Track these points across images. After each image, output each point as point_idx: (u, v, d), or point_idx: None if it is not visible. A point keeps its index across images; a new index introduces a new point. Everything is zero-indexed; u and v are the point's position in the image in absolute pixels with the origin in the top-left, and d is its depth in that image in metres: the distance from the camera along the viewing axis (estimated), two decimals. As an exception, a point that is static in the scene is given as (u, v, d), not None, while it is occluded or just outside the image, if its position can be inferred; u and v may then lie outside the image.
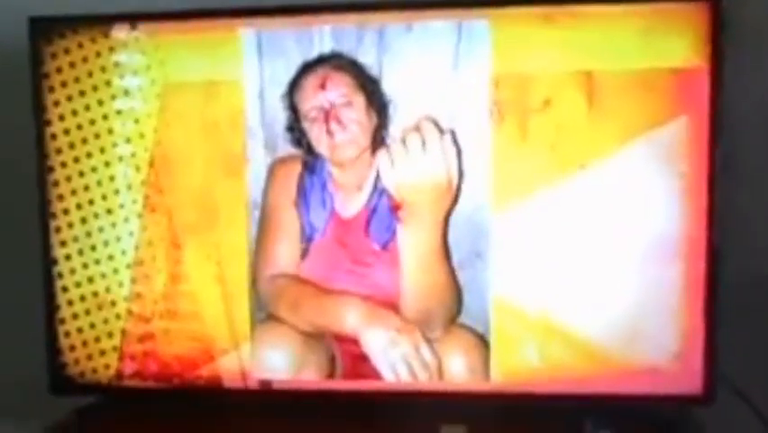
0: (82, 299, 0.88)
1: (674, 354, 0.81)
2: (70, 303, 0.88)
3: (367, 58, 0.82)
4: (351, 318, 0.83)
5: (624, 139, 0.80)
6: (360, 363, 0.83)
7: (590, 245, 0.81)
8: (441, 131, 0.81)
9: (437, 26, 0.81)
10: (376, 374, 0.83)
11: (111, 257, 0.87)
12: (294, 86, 0.83)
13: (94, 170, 0.87)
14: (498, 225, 0.81)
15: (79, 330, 0.88)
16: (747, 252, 0.90)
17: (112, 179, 0.87)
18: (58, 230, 0.87)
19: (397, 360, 0.82)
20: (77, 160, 0.87)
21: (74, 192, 0.87)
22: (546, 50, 0.80)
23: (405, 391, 0.84)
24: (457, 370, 0.83)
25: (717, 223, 0.79)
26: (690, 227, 0.80)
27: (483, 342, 0.82)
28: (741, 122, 0.88)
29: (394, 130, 0.82)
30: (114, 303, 0.88)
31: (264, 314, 0.86)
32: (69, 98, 0.86)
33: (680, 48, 0.78)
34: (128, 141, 0.86)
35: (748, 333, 0.90)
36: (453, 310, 0.83)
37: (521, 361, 0.82)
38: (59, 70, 0.86)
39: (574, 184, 0.81)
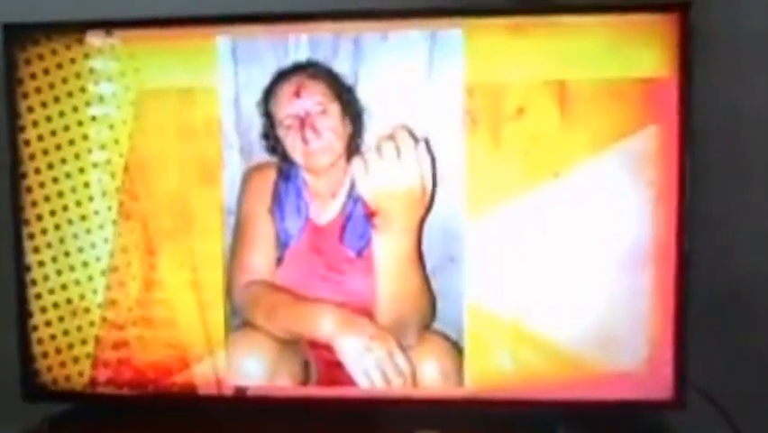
0: (55, 306, 0.87)
1: (645, 359, 0.82)
2: (44, 310, 0.88)
3: (342, 66, 0.82)
4: (325, 325, 0.83)
5: (595, 147, 0.81)
6: (334, 369, 0.84)
7: (563, 252, 0.82)
8: (415, 139, 0.81)
9: (412, 36, 0.82)
10: (350, 381, 0.83)
11: (85, 264, 0.87)
12: (269, 93, 0.83)
13: (68, 176, 0.87)
14: (472, 232, 0.82)
15: (53, 337, 0.88)
16: (717, 258, 0.91)
17: (86, 185, 0.86)
18: (31, 237, 0.87)
19: (371, 366, 0.83)
20: (51, 166, 0.86)
21: (48, 198, 0.87)
22: (519, 59, 0.81)
23: (379, 398, 0.84)
24: (431, 376, 0.84)
25: (688, 229, 0.81)
26: (661, 234, 0.81)
27: (457, 348, 0.83)
28: (711, 129, 0.90)
29: (369, 138, 0.82)
30: (88, 310, 0.87)
31: (239, 321, 0.86)
32: (44, 105, 0.86)
33: (649, 58, 0.80)
34: (103, 147, 0.86)
35: (718, 338, 0.92)
36: (427, 317, 0.83)
37: (494, 367, 0.83)
38: (33, 76, 0.86)
39: (547, 192, 0.82)
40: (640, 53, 0.80)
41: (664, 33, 0.79)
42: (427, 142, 0.82)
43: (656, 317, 0.82)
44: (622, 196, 0.81)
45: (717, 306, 0.92)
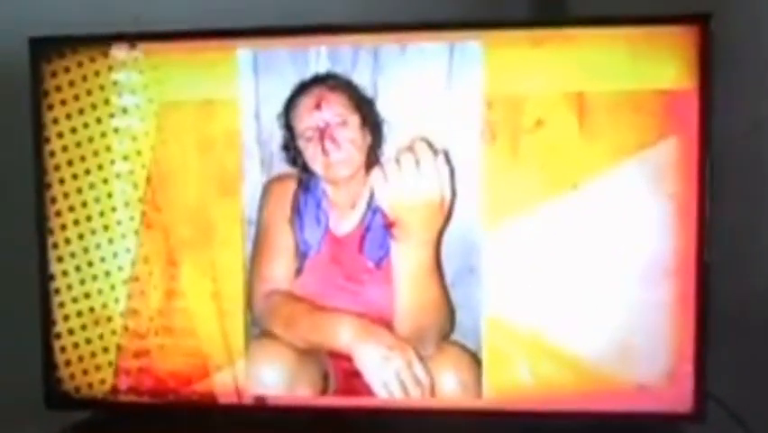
0: (79, 314, 0.89)
1: (665, 372, 0.82)
2: (67, 318, 0.89)
3: (362, 78, 0.83)
4: (344, 335, 0.83)
5: (615, 159, 0.81)
6: (353, 379, 0.84)
7: (582, 264, 0.82)
8: (434, 150, 0.82)
9: (431, 48, 0.82)
10: (369, 391, 0.84)
11: (107, 273, 0.88)
12: (289, 105, 0.84)
13: (91, 186, 0.88)
14: (491, 243, 0.82)
15: (75, 345, 0.89)
16: (738, 270, 0.91)
17: (109, 195, 0.88)
18: (55, 246, 0.88)
19: (389, 377, 0.83)
20: (75, 176, 0.88)
21: (71, 208, 0.88)
22: (538, 71, 0.81)
23: (397, 408, 0.84)
24: (449, 387, 0.84)
25: (708, 241, 0.80)
26: (681, 246, 0.81)
27: (475, 359, 0.83)
28: (731, 141, 0.89)
29: (388, 149, 0.83)
30: (110, 319, 0.89)
31: (259, 330, 0.86)
32: (68, 116, 0.87)
33: (669, 70, 0.80)
34: (125, 158, 0.87)
35: (739, 351, 0.91)
36: (446, 328, 0.83)
37: (513, 379, 0.83)
38: (58, 89, 0.87)
39: (566, 204, 0.82)
40: (660, 65, 0.80)
41: (685, 45, 0.79)
42: (446, 154, 0.82)
43: (676, 329, 0.81)
44: (642, 208, 0.81)
45: (737, 318, 0.91)
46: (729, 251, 0.88)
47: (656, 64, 0.80)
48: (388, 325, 0.84)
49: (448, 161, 0.82)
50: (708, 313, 0.81)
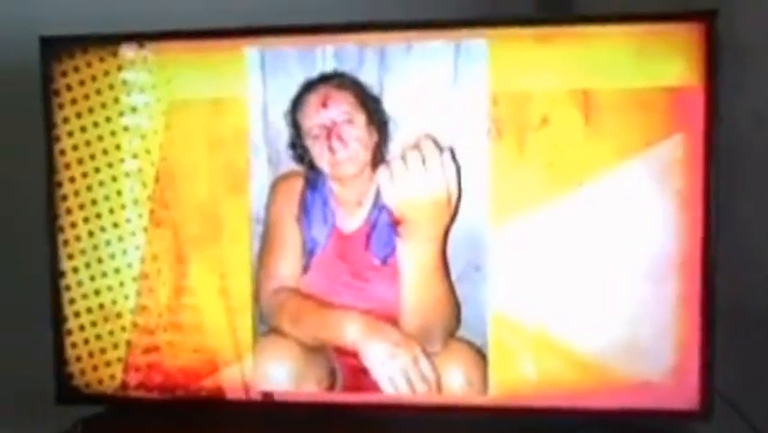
0: (89, 310, 0.90)
1: (671, 369, 0.82)
2: (77, 315, 0.90)
3: (368, 77, 0.84)
4: (350, 332, 0.84)
5: (620, 156, 0.81)
6: (360, 376, 0.85)
7: (588, 261, 0.82)
8: (440, 148, 0.82)
9: (436, 46, 0.83)
10: (375, 387, 0.84)
11: (117, 270, 0.89)
12: (296, 104, 0.85)
13: (101, 184, 0.89)
14: (497, 241, 0.83)
15: (86, 341, 0.90)
16: (743, 267, 0.91)
17: (119, 193, 0.89)
18: (66, 243, 0.90)
19: (396, 373, 0.84)
20: (85, 175, 0.89)
21: (82, 206, 0.89)
22: (543, 68, 0.81)
23: (404, 404, 0.85)
24: (455, 383, 0.84)
25: (715, 239, 0.80)
26: (687, 243, 0.81)
27: (481, 356, 0.84)
28: (737, 138, 0.89)
29: (394, 147, 0.83)
30: (119, 315, 0.90)
31: (266, 327, 0.87)
32: (78, 115, 0.89)
33: (675, 67, 0.80)
34: (135, 156, 0.88)
35: (745, 348, 0.91)
36: (452, 324, 0.84)
37: (519, 375, 0.84)
38: (68, 88, 0.88)
39: (572, 201, 0.82)
40: (666, 62, 0.80)
41: (691, 42, 0.79)
42: (452, 152, 0.82)
43: (682, 326, 0.81)
44: (647, 205, 0.81)
45: (743, 315, 0.91)
46: (736, 247, 0.88)
47: (662, 61, 0.80)
48: (394, 321, 0.84)
49: (454, 158, 0.82)
50: (714, 309, 0.81)
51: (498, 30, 0.82)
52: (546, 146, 0.82)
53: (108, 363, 0.90)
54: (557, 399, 0.83)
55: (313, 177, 0.86)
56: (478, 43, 0.82)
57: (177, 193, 0.88)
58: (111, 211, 0.89)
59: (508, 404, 0.84)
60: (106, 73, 0.88)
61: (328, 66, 0.84)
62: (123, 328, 0.90)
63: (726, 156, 0.81)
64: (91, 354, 0.90)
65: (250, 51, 0.86)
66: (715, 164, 0.80)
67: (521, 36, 0.82)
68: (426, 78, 0.83)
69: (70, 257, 0.90)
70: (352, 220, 0.86)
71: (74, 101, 0.88)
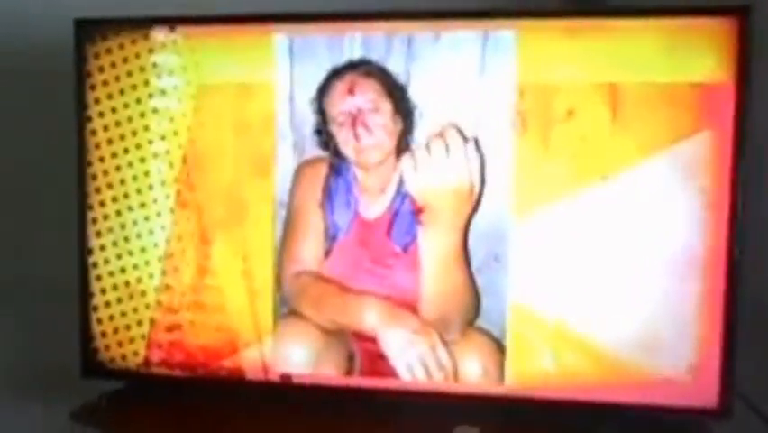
0: (115, 288, 0.92)
1: (691, 366, 0.82)
2: (103, 291, 0.92)
3: (395, 65, 0.84)
4: (370, 317, 0.85)
5: (646, 151, 0.81)
6: (377, 361, 0.86)
7: (610, 256, 0.82)
8: (465, 138, 0.82)
9: (464, 36, 0.83)
10: (393, 373, 0.85)
11: (143, 249, 0.91)
12: (323, 90, 0.86)
13: (130, 165, 0.91)
14: (519, 232, 0.83)
15: (111, 318, 0.92)
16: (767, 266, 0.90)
17: (146, 174, 0.91)
18: (94, 221, 0.92)
19: (413, 360, 0.84)
20: (114, 155, 0.91)
21: (110, 186, 0.91)
22: (571, 61, 0.81)
23: (420, 391, 0.86)
24: (472, 372, 0.85)
25: (739, 237, 0.79)
26: (711, 241, 0.80)
27: (499, 346, 0.84)
28: (765, 136, 0.88)
29: (419, 136, 0.84)
30: (144, 293, 0.92)
31: (287, 309, 0.88)
32: (110, 96, 0.90)
33: (705, 63, 0.79)
34: (163, 138, 0.90)
35: (765, 348, 0.90)
36: (471, 314, 0.84)
37: (536, 366, 0.84)
38: (100, 70, 0.90)
39: (595, 195, 0.82)
40: (696, 57, 0.79)
41: (722, 37, 0.78)
42: (476, 142, 0.83)
43: (704, 324, 0.81)
44: (672, 201, 0.81)
45: (765, 314, 0.90)
46: (759, 246, 0.87)
47: (692, 56, 0.79)
48: (413, 309, 0.85)
49: (478, 148, 0.82)
50: (736, 308, 0.80)
51: (526, 21, 0.82)
52: (571, 139, 0.82)
53: (132, 340, 0.92)
54: (574, 392, 0.83)
55: (337, 163, 0.87)
56: (506, 34, 0.82)
57: (203, 175, 0.89)
58: (138, 191, 0.91)
59: (524, 395, 0.84)
60: (137, 56, 0.90)
61: (356, 54, 0.85)
62: (148, 306, 0.92)
63: (752, 154, 0.80)
64: (116, 331, 0.92)
65: (278, 38, 0.86)
66: (743, 162, 0.79)
67: (550, 28, 0.81)
68: (453, 67, 0.83)
69: (98, 235, 0.92)
70: (374, 207, 0.87)
71: (105, 82, 0.90)
